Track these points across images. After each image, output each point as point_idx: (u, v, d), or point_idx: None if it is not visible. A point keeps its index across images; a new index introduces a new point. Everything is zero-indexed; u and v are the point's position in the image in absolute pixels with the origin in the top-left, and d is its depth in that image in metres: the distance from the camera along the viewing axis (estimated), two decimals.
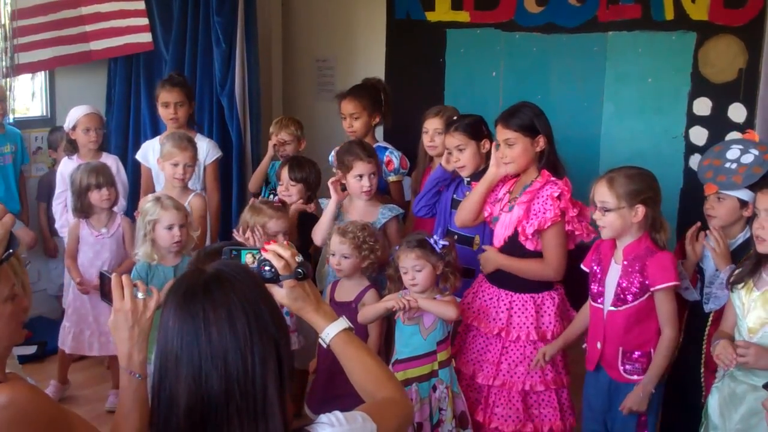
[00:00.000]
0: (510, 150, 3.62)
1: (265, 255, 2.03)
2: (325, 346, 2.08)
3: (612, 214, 3.27)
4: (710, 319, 3.54)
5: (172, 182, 4.54)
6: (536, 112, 3.64)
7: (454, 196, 4.17)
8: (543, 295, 3.71)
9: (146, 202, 4.08)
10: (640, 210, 3.25)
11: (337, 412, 1.80)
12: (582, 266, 3.57)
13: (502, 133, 3.63)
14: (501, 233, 3.70)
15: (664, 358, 3.31)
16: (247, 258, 2.05)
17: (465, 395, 3.75)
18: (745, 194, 3.52)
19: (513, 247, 3.65)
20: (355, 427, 1.78)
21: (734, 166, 3.55)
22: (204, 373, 1.63)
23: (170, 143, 4.54)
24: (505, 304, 3.71)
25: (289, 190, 4.48)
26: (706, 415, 3.22)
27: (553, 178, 3.59)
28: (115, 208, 4.74)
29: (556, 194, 3.53)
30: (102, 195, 4.54)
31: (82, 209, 4.57)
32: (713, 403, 3.16)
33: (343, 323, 2.08)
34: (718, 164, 3.59)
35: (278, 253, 2.02)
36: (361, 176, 4.13)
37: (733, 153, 3.60)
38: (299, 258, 2.06)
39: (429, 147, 4.51)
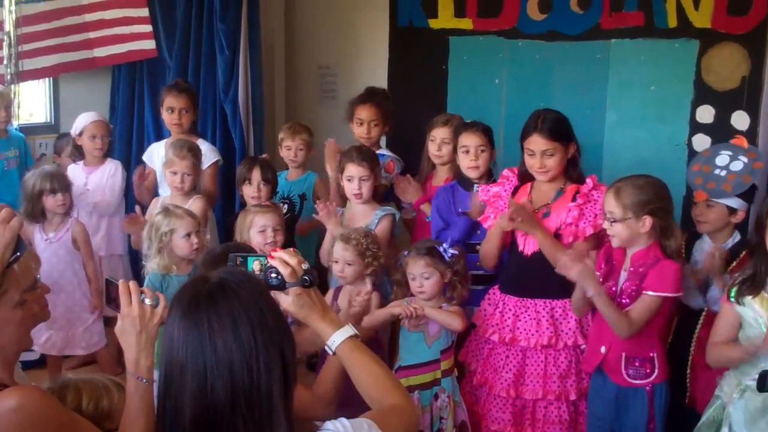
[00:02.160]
0: (550, 160, 3.62)
1: (271, 262, 2.03)
2: (331, 353, 2.08)
3: (619, 225, 3.27)
4: (700, 322, 3.55)
5: (173, 189, 4.56)
6: (566, 119, 3.67)
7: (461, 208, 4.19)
8: None
9: (155, 216, 4.05)
10: (648, 221, 3.25)
11: (343, 419, 1.80)
12: None
13: (540, 144, 3.61)
14: (533, 241, 3.68)
15: (614, 313, 3.26)
16: (254, 265, 2.06)
17: (486, 411, 3.75)
18: (734, 202, 3.56)
19: None
20: None
21: (723, 173, 3.58)
22: (209, 383, 1.64)
23: (171, 151, 4.57)
24: (547, 312, 3.70)
25: (261, 191, 4.49)
26: (726, 425, 3.12)
27: (598, 182, 3.64)
28: (74, 213, 4.79)
29: None
30: (57, 200, 4.57)
31: (34, 214, 4.57)
32: (737, 416, 3.06)
33: (349, 330, 2.08)
34: (708, 170, 3.62)
35: (285, 260, 2.03)
36: (351, 179, 4.14)
37: (722, 159, 3.63)
38: (306, 265, 2.07)
39: (435, 156, 4.50)
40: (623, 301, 3.32)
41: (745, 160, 3.56)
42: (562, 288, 3.66)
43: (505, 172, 3.90)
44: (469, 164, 4.10)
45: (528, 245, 3.71)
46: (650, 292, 3.24)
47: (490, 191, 3.88)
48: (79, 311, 4.76)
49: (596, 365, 3.47)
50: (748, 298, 3.02)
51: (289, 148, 5.04)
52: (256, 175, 4.51)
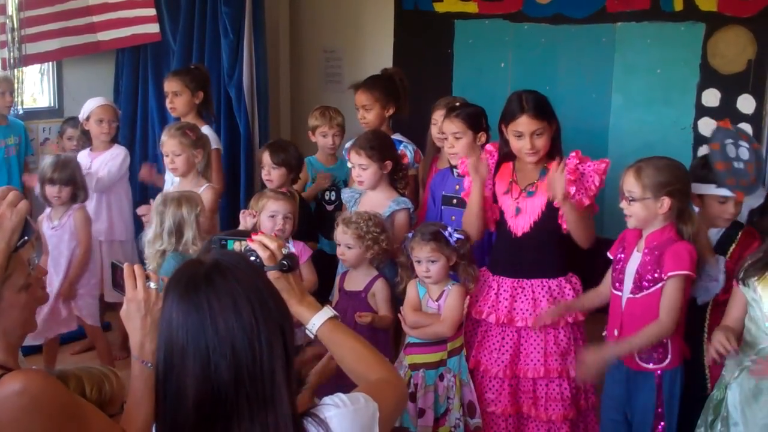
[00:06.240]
0: (539, 140, 3.58)
1: (251, 245, 2.03)
2: (312, 336, 2.08)
3: (637, 204, 3.27)
4: (708, 310, 3.53)
5: (170, 171, 4.54)
6: (546, 97, 3.65)
7: (444, 192, 4.17)
8: (569, 276, 3.73)
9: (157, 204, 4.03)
10: (666, 202, 3.24)
11: (340, 394, 1.80)
12: (608, 254, 3.56)
13: (529, 124, 3.55)
14: (525, 221, 3.66)
15: (645, 339, 3.27)
16: (235, 246, 2.07)
17: (483, 388, 3.75)
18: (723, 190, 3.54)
19: (544, 228, 3.63)
20: (359, 407, 1.79)
21: (742, 165, 3.53)
22: (213, 363, 1.63)
23: (163, 134, 4.55)
24: (545, 291, 3.68)
25: (270, 174, 4.46)
26: (723, 409, 3.12)
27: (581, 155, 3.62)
28: (79, 203, 4.73)
29: (602, 167, 3.58)
30: (53, 191, 4.56)
31: (43, 198, 4.61)
32: (733, 398, 3.07)
33: (328, 312, 2.08)
34: (730, 167, 3.57)
35: (264, 244, 2.03)
36: (353, 166, 4.13)
37: (731, 150, 3.57)
38: (286, 250, 2.06)
39: (437, 138, 4.48)
40: (644, 285, 3.32)
41: (745, 144, 3.53)
42: (556, 266, 3.68)
43: (488, 146, 3.87)
44: (448, 150, 4.11)
45: (517, 226, 3.69)
46: (670, 273, 3.23)
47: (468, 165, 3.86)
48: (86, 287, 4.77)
49: None
50: (753, 280, 3.03)
51: (326, 135, 4.94)
52: (266, 158, 4.49)
